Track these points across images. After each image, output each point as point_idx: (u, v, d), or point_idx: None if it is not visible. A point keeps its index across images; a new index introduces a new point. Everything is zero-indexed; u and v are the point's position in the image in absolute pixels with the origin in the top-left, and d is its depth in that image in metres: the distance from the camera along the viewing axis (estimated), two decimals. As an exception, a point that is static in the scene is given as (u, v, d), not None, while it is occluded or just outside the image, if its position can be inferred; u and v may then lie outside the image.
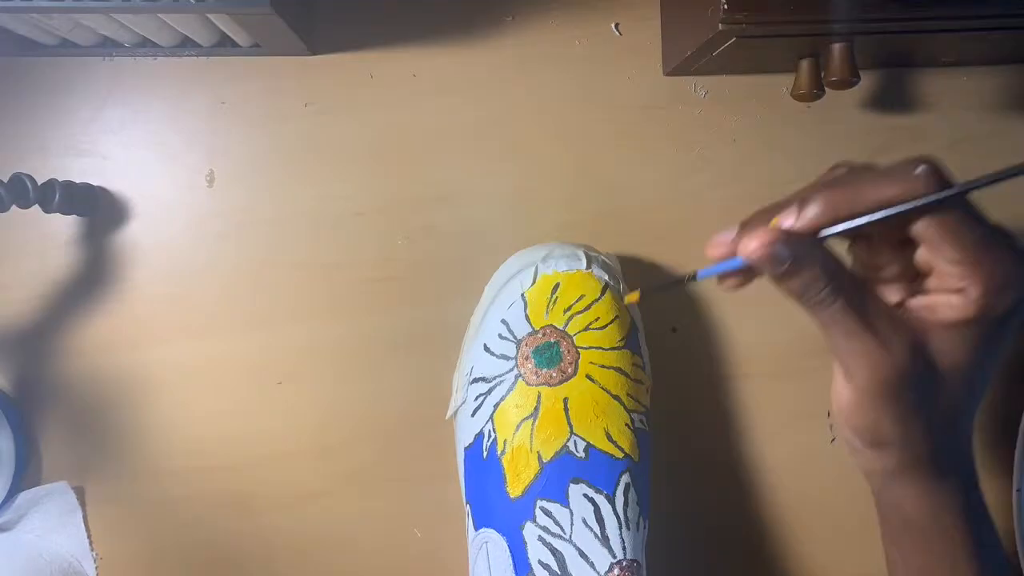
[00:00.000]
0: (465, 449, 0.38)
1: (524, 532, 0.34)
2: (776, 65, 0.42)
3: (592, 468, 0.35)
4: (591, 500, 0.34)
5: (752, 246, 0.26)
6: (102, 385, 0.42)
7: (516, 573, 0.34)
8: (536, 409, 0.35)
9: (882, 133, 0.44)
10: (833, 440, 0.44)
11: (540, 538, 0.34)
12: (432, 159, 0.43)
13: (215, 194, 0.42)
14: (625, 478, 0.35)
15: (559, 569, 0.33)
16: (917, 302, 0.28)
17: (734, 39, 0.35)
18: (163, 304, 0.42)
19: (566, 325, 0.36)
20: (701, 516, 0.43)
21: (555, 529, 0.34)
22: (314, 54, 0.42)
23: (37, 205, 0.37)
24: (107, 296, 0.42)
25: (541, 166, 0.43)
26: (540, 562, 0.33)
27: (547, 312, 0.36)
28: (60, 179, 0.39)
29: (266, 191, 0.42)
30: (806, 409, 0.44)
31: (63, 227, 0.42)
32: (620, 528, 0.34)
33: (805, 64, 0.38)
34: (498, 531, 0.35)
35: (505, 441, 0.36)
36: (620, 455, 0.35)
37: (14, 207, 0.36)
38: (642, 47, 0.43)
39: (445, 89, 0.43)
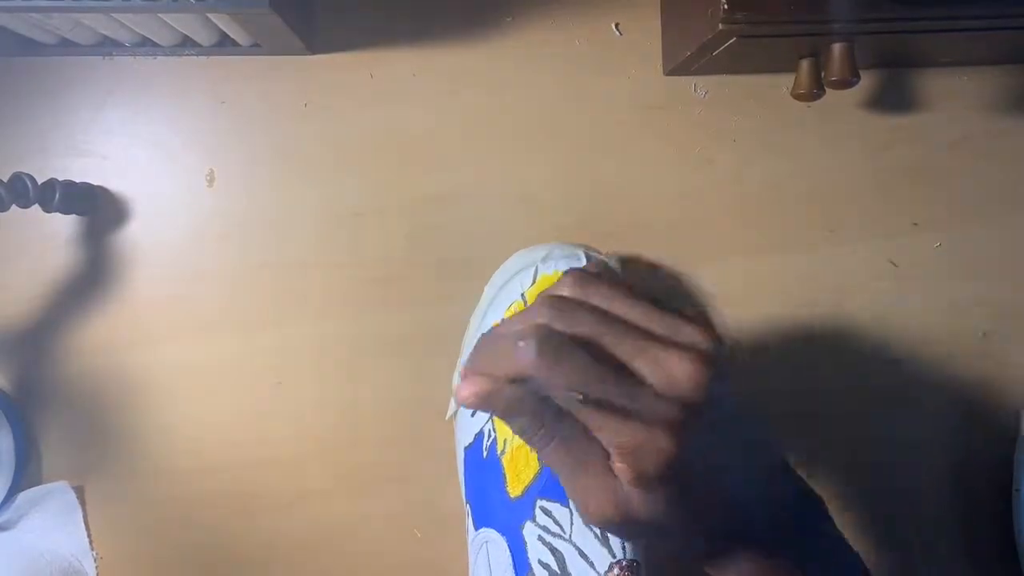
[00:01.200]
0: (465, 449, 0.38)
1: (524, 532, 0.34)
2: (776, 65, 0.42)
3: None
4: None
5: (462, 394, 0.27)
6: (102, 385, 0.42)
7: (516, 572, 0.34)
8: None
9: (882, 133, 0.44)
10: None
11: (540, 538, 0.34)
12: (432, 159, 0.43)
13: (215, 194, 0.42)
14: None
15: (559, 568, 0.33)
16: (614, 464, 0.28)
17: (734, 39, 0.35)
18: (163, 304, 0.42)
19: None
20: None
21: (555, 529, 0.34)
22: (314, 54, 0.42)
23: (37, 205, 0.37)
24: (107, 296, 0.42)
25: (541, 166, 0.43)
26: (540, 561, 0.33)
27: None
28: (60, 179, 0.39)
29: (266, 191, 0.42)
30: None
31: (63, 227, 0.42)
32: None
33: (805, 64, 0.38)
34: (498, 531, 0.35)
35: (505, 440, 0.36)
36: None
37: (14, 207, 0.36)
38: (642, 47, 0.43)
39: (445, 89, 0.43)
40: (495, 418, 0.36)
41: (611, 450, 0.27)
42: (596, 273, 0.29)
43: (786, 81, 0.42)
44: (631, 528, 0.28)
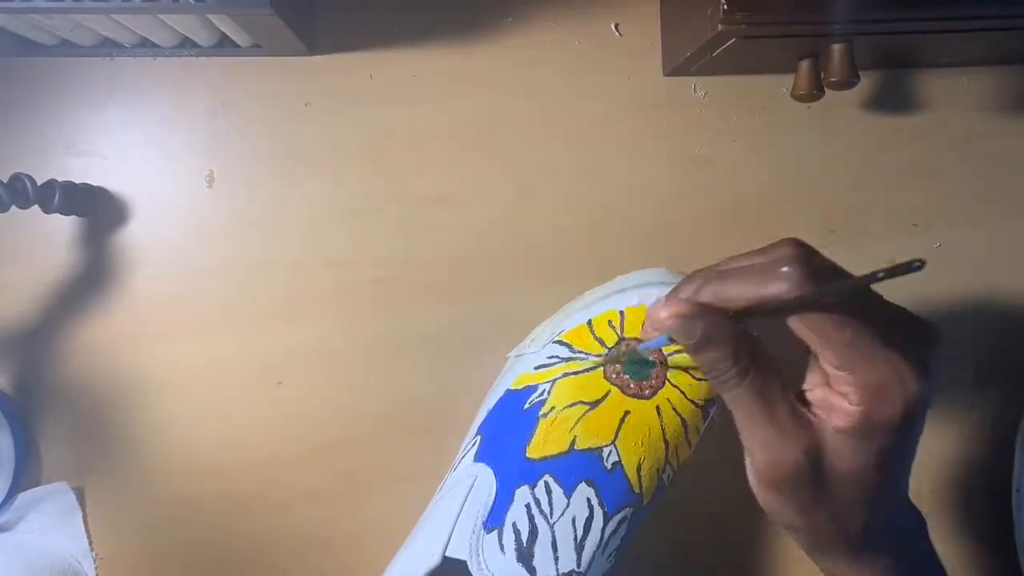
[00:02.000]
0: (508, 390, 0.38)
1: (518, 491, 0.34)
2: (776, 65, 0.42)
3: (610, 483, 0.35)
4: (591, 508, 0.34)
5: (662, 315, 0.26)
6: (102, 385, 0.42)
7: (488, 519, 0.34)
8: (597, 403, 0.36)
9: (882, 133, 0.44)
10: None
11: (528, 506, 0.34)
12: (432, 159, 0.43)
13: (215, 194, 0.42)
14: (628, 511, 0.35)
15: (526, 541, 0.33)
16: (819, 397, 0.27)
17: (734, 40, 0.35)
18: (163, 304, 0.42)
19: (672, 354, 0.36)
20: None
21: (545, 507, 0.34)
22: (314, 54, 0.42)
23: (37, 205, 0.37)
24: (107, 296, 0.42)
25: (541, 166, 0.43)
26: (514, 525, 0.34)
27: None
28: (60, 179, 0.39)
29: (266, 191, 0.42)
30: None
31: (63, 227, 0.42)
32: (598, 548, 0.34)
33: (805, 64, 0.38)
34: (495, 475, 0.35)
35: (553, 408, 0.36)
36: (637, 490, 0.35)
37: (14, 207, 0.36)
38: (642, 47, 0.43)
39: (445, 89, 0.43)
40: (558, 385, 0.36)
41: (845, 388, 0.26)
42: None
43: (786, 82, 0.42)
44: (805, 486, 0.27)
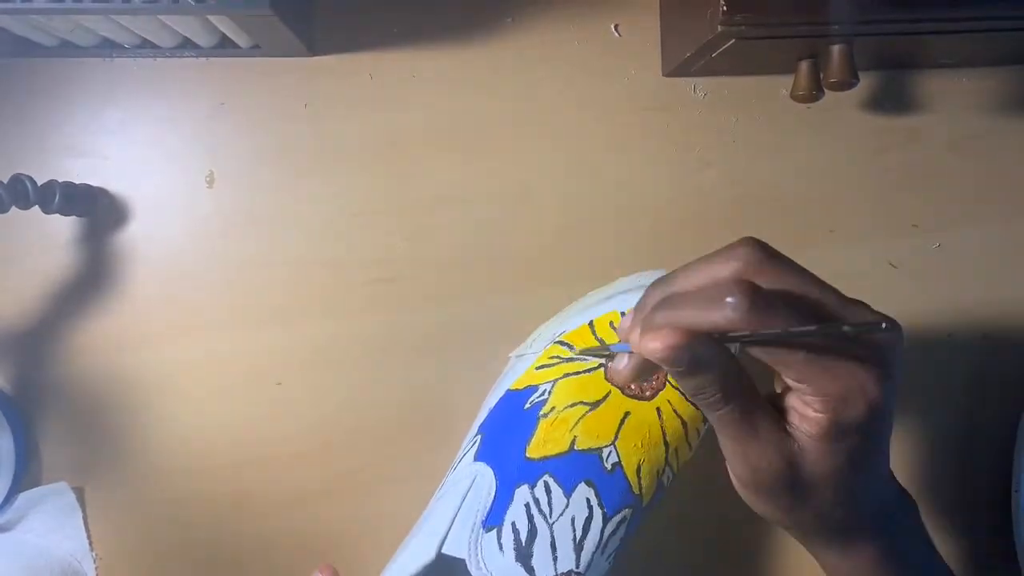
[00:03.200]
0: (509, 390, 0.38)
1: (517, 491, 0.34)
2: (775, 66, 0.42)
3: (610, 484, 0.35)
4: (591, 508, 0.34)
5: (653, 346, 0.26)
6: (102, 385, 0.42)
7: (488, 518, 0.34)
8: (598, 403, 0.36)
9: (882, 134, 0.44)
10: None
11: (527, 505, 0.34)
12: (432, 159, 0.43)
13: (215, 194, 0.42)
14: (627, 512, 0.35)
15: (525, 541, 0.33)
16: (789, 405, 0.28)
17: (733, 41, 0.35)
18: (163, 304, 0.42)
19: None
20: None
21: (544, 507, 0.34)
22: (314, 55, 0.42)
23: (37, 206, 0.37)
24: (107, 296, 0.42)
25: (540, 167, 0.43)
26: (514, 525, 0.34)
27: None
28: (60, 180, 0.39)
29: (266, 191, 0.42)
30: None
31: (63, 227, 0.42)
32: (596, 548, 0.34)
33: (804, 65, 0.38)
34: (495, 474, 0.35)
35: (554, 408, 0.36)
36: (636, 491, 0.35)
37: (14, 208, 0.36)
38: (641, 48, 0.43)
39: (445, 89, 0.43)
40: (559, 385, 0.36)
41: (809, 400, 0.26)
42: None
43: (785, 83, 0.42)
44: (786, 488, 0.28)
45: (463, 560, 0.34)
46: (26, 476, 0.42)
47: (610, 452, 0.35)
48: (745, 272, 0.26)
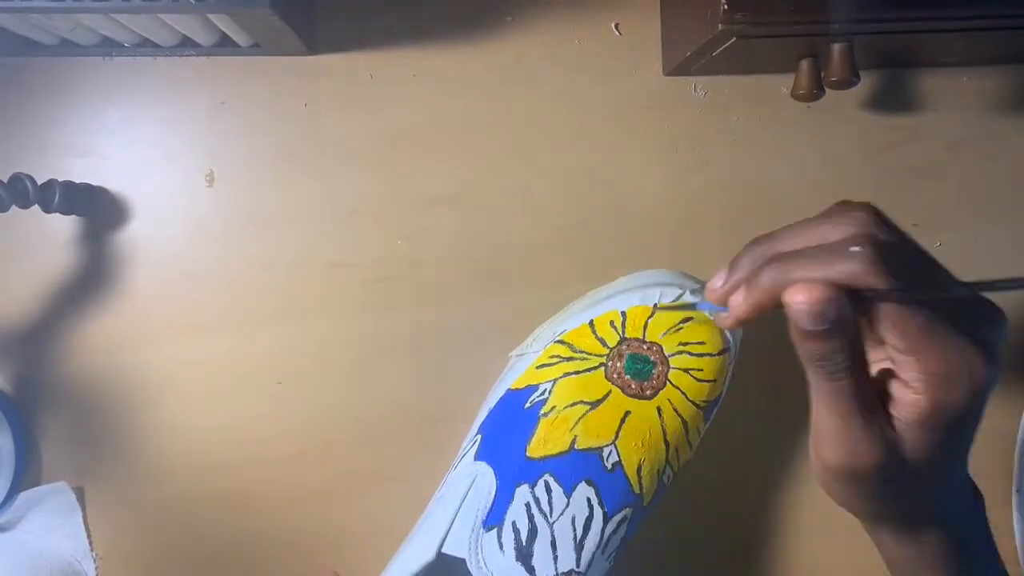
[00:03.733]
0: (509, 389, 0.38)
1: (518, 490, 0.34)
2: (776, 65, 0.42)
3: (610, 483, 0.35)
4: (591, 508, 0.34)
5: (799, 298, 0.24)
6: (102, 385, 0.42)
7: (488, 518, 0.34)
8: (598, 402, 0.36)
9: (882, 133, 0.44)
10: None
11: (528, 505, 0.34)
12: (432, 159, 0.43)
13: (215, 194, 0.42)
14: (627, 511, 0.35)
15: (526, 541, 0.33)
16: (890, 390, 0.27)
17: (734, 39, 0.35)
18: (163, 304, 0.42)
19: (672, 355, 0.36)
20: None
21: (544, 507, 0.34)
22: (314, 54, 0.42)
23: (37, 205, 0.37)
24: (107, 296, 0.42)
25: (541, 166, 0.43)
26: (514, 524, 0.34)
27: (665, 333, 0.36)
28: (60, 179, 0.39)
29: (266, 191, 0.42)
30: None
31: (63, 227, 0.42)
32: (597, 548, 0.34)
33: (805, 64, 0.38)
34: (496, 474, 0.35)
35: (554, 407, 0.36)
36: (637, 490, 0.35)
37: (14, 207, 0.36)
38: (642, 47, 0.43)
39: (445, 89, 0.43)
40: (560, 384, 0.36)
41: (911, 378, 0.25)
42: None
43: (786, 82, 0.42)
44: (873, 476, 0.26)
45: (463, 560, 0.34)
46: (26, 476, 0.42)
47: (611, 451, 0.35)
48: (873, 219, 0.25)
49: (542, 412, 0.36)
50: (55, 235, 0.42)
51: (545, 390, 0.36)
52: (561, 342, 0.38)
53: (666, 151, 0.43)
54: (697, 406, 0.36)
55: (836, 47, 0.36)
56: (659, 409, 0.36)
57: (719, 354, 0.37)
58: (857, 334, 0.25)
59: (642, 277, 0.39)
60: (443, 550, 0.34)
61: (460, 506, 0.35)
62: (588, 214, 0.43)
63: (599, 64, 0.43)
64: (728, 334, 0.37)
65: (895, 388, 0.26)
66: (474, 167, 0.43)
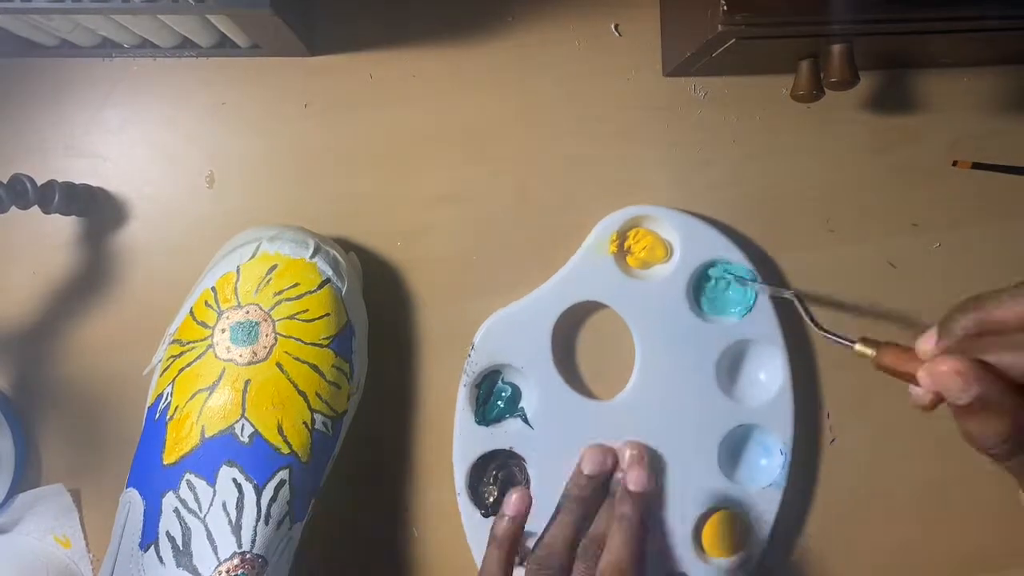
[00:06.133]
0: (147, 408, 0.37)
1: (164, 500, 0.34)
2: (776, 66, 0.42)
3: (251, 455, 0.34)
4: (239, 486, 0.34)
5: (942, 368, 0.24)
6: (102, 386, 0.42)
7: (143, 538, 0.33)
8: (215, 384, 0.35)
9: (882, 133, 0.44)
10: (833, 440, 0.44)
11: (176, 510, 0.33)
12: (432, 159, 0.43)
13: (215, 195, 0.42)
14: (283, 474, 0.34)
15: (182, 544, 0.33)
16: None
17: (733, 40, 0.35)
18: (163, 304, 0.42)
19: (272, 308, 0.36)
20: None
21: (192, 505, 0.33)
22: (314, 55, 0.42)
23: (37, 206, 0.37)
24: (107, 297, 0.42)
25: (540, 167, 0.43)
26: (168, 533, 0.33)
27: (257, 291, 0.36)
28: (60, 180, 0.39)
29: (266, 192, 0.42)
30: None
31: (63, 228, 0.42)
32: (258, 521, 0.33)
33: (805, 65, 0.38)
34: (141, 494, 0.35)
35: (177, 408, 0.35)
36: (286, 451, 0.35)
37: (13, 208, 0.36)
38: (642, 48, 0.43)
39: (445, 89, 0.43)
40: (177, 383, 0.35)
41: None
42: None
43: (786, 82, 0.42)
44: None
45: None
46: (26, 476, 0.42)
47: (243, 425, 0.34)
48: None
49: (168, 416, 0.35)
50: (55, 235, 0.42)
51: (167, 394, 0.36)
52: (174, 341, 0.37)
53: (666, 152, 0.43)
54: (320, 345, 0.36)
55: (836, 48, 0.36)
56: (279, 364, 0.35)
57: (320, 288, 0.36)
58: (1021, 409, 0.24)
59: (229, 245, 0.38)
60: None
61: (120, 541, 0.34)
62: (587, 215, 0.43)
63: (599, 64, 0.43)
64: (323, 264, 0.37)
65: None
66: (474, 167, 0.43)
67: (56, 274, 0.42)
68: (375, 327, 0.42)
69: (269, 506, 0.34)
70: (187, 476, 0.34)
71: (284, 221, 0.42)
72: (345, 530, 0.42)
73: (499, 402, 0.42)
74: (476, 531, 0.41)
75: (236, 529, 0.33)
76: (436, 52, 0.42)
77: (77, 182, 0.41)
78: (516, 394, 0.42)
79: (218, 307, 0.36)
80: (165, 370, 0.36)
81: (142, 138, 0.42)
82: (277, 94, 0.42)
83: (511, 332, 0.42)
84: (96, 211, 0.42)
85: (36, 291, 0.42)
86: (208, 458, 0.34)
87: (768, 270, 0.44)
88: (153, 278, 0.42)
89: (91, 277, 0.42)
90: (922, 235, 0.45)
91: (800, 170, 0.44)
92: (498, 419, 0.42)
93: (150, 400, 0.37)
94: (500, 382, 0.42)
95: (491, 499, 0.41)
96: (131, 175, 0.42)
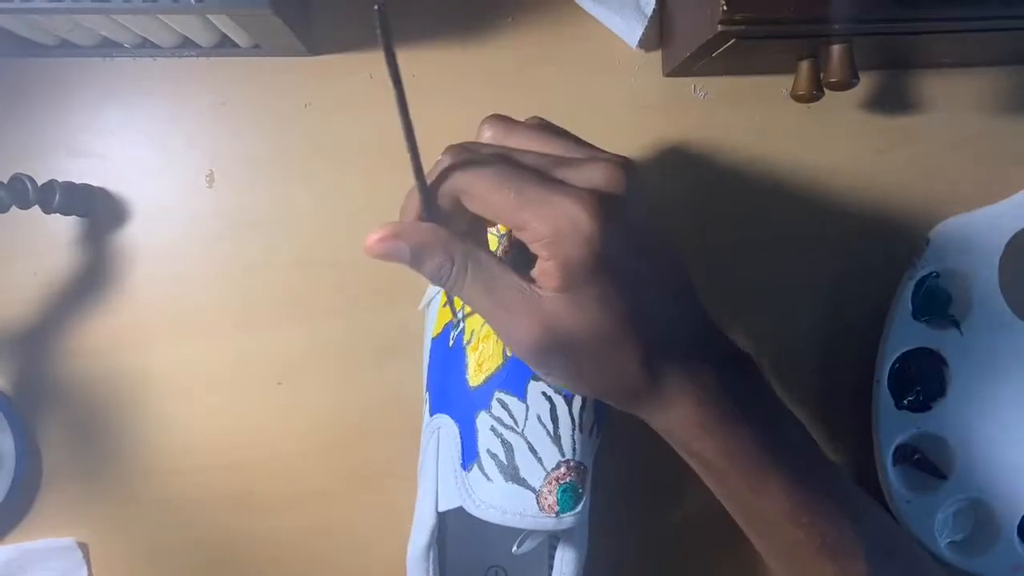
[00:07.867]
0: (432, 339, 0.38)
1: (478, 420, 0.35)
2: (776, 66, 0.42)
3: None
4: (549, 399, 0.34)
5: (368, 243, 0.27)
6: (102, 385, 0.42)
7: (464, 459, 0.34)
8: None
9: (882, 133, 0.44)
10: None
11: (492, 428, 0.34)
12: (432, 159, 0.43)
13: (215, 194, 0.42)
14: None
15: (506, 460, 0.34)
16: (537, 270, 0.28)
17: (733, 40, 0.35)
18: (163, 304, 0.42)
19: None
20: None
21: (508, 421, 0.34)
22: (314, 54, 0.42)
23: (37, 206, 0.37)
24: (107, 296, 0.42)
25: (541, 166, 0.43)
26: (489, 451, 0.34)
27: None
28: (60, 180, 0.39)
29: (266, 191, 0.42)
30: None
31: (63, 228, 0.42)
32: (574, 429, 0.34)
33: (804, 65, 0.38)
34: (452, 418, 0.36)
35: (473, 332, 0.36)
36: None
37: (14, 208, 0.36)
38: (642, 47, 0.43)
39: (445, 89, 0.43)
40: (468, 313, 0.37)
41: (535, 248, 0.27)
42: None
43: (786, 82, 0.42)
44: (559, 354, 0.28)
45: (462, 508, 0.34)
46: (26, 476, 0.42)
47: None
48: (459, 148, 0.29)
49: (465, 342, 0.36)
50: (55, 235, 0.42)
51: (458, 321, 0.37)
52: None
53: (666, 152, 0.43)
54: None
55: (835, 48, 0.36)
56: None
57: None
58: (457, 242, 0.27)
59: None
60: (440, 510, 0.35)
61: (437, 464, 0.35)
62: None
63: (599, 65, 0.43)
64: None
65: (538, 264, 0.27)
66: (474, 167, 0.43)
67: (56, 274, 0.42)
68: (376, 326, 0.42)
69: (581, 414, 0.35)
70: (497, 395, 0.35)
71: (281, 220, 0.42)
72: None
73: (935, 303, 0.42)
74: (889, 419, 0.42)
75: (556, 440, 0.34)
76: (436, 52, 0.42)
77: (77, 182, 0.41)
78: (950, 298, 0.43)
79: (498, 231, 0.36)
80: (448, 302, 0.37)
81: (142, 138, 0.42)
82: (277, 94, 0.42)
83: (966, 239, 0.42)
84: (96, 211, 0.42)
85: (36, 291, 0.42)
86: (514, 376, 0.35)
87: (769, 270, 0.44)
88: (153, 278, 0.42)
89: (91, 277, 0.42)
90: (922, 235, 0.45)
91: (800, 171, 0.44)
92: (930, 317, 0.42)
93: (434, 331, 0.38)
94: (938, 283, 0.43)
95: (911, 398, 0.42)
96: (131, 175, 0.42)
